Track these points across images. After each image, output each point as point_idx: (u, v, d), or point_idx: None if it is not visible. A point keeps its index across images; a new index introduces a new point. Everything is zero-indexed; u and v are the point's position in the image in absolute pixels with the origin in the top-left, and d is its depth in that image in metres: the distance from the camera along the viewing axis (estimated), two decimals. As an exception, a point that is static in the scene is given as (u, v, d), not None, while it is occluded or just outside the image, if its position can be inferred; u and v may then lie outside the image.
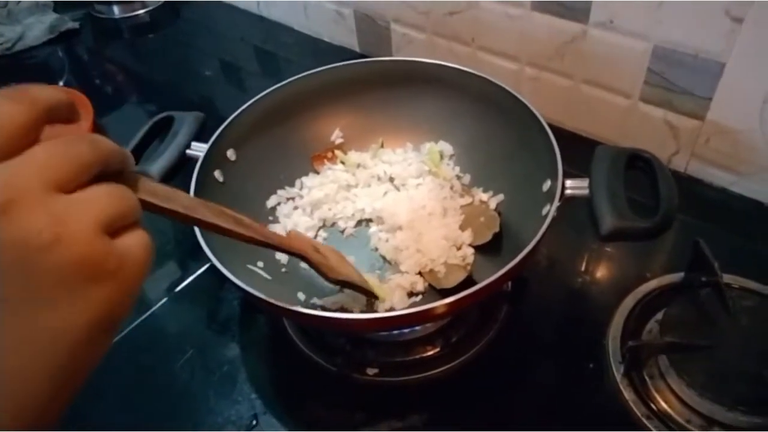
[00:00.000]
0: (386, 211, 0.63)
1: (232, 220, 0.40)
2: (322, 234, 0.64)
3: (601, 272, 0.63)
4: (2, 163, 0.23)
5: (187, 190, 0.54)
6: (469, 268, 0.57)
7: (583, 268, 0.63)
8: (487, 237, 0.59)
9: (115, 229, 0.26)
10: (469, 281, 0.56)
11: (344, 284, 0.52)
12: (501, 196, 0.63)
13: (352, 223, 0.65)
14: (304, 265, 0.60)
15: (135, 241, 0.27)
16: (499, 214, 0.61)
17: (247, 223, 0.42)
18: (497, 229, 0.59)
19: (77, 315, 0.25)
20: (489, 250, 0.59)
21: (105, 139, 0.27)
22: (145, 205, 0.30)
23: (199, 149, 0.59)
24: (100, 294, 0.25)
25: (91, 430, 0.54)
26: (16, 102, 0.24)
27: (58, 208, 0.24)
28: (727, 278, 0.54)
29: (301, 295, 0.58)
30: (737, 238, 0.64)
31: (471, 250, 0.59)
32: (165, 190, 0.33)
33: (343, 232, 0.65)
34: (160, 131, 0.62)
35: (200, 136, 0.61)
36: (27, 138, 0.24)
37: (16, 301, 0.23)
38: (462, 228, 0.60)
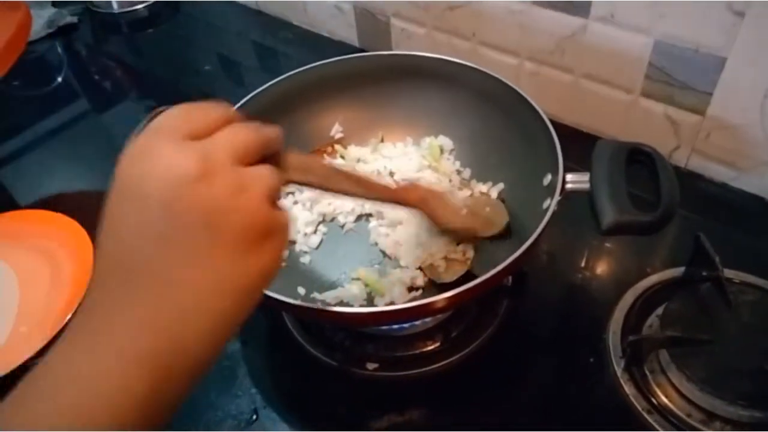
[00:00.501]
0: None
1: (355, 183, 0.43)
2: (322, 229, 0.64)
3: (601, 267, 0.62)
4: (202, 140, 0.30)
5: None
6: (469, 262, 0.57)
7: (583, 263, 0.63)
8: (501, 226, 0.58)
9: (272, 201, 0.32)
10: (469, 275, 0.56)
11: (451, 232, 0.55)
12: (501, 185, 0.63)
13: (352, 218, 0.65)
14: (303, 260, 0.61)
15: (283, 212, 0.33)
16: (503, 201, 0.61)
17: (367, 184, 0.45)
18: (507, 218, 0.58)
19: (252, 266, 0.30)
20: (489, 244, 0.59)
21: (268, 127, 0.33)
22: (289, 181, 0.37)
23: (198, 143, 0.59)
24: (268, 250, 0.31)
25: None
26: (215, 105, 0.32)
27: (240, 179, 0.30)
28: (728, 273, 0.54)
29: (300, 290, 0.58)
30: (738, 234, 0.64)
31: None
32: (303, 162, 0.38)
33: (342, 226, 0.64)
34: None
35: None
36: (217, 125, 0.31)
37: (204, 253, 0.29)
38: (470, 219, 0.60)
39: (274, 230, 0.31)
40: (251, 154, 0.31)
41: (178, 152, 0.29)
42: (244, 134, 0.31)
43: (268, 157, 0.33)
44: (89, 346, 0.28)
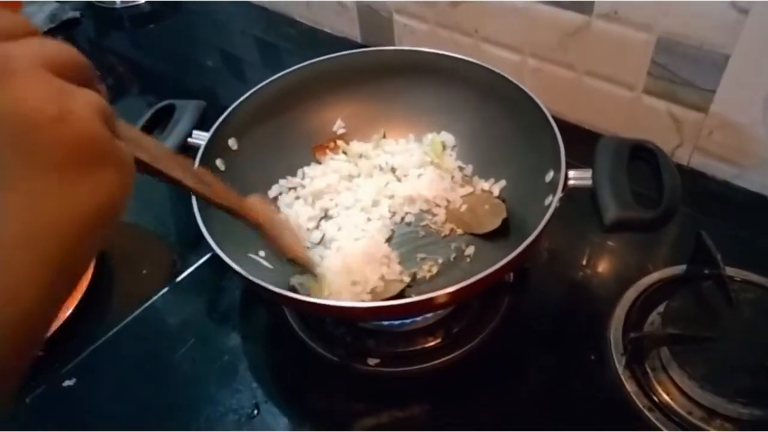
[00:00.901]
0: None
1: (194, 177, 0.40)
2: (324, 224, 0.64)
3: (603, 264, 0.62)
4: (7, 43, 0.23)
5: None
6: (406, 280, 0.56)
7: (585, 260, 0.63)
8: (496, 223, 0.58)
9: (106, 123, 0.25)
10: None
11: (292, 262, 0.53)
12: (503, 182, 0.63)
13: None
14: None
15: (123, 145, 0.26)
16: (504, 201, 0.61)
17: (207, 181, 0.42)
18: (505, 215, 0.58)
19: (85, 197, 0.24)
20: (491, 239, 0.59)
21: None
22: None
23: (200, 138, 0.59)
24: (106, 178, 0.25)
25: (91, 419, 0.54)
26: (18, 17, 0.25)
27: (59, 86, 0.23)
28: (729, 271, 0.54)
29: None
30: (740, 231, 0.63)
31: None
32: (136, 134, 0.33)
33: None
34: (162, 119, 0.61)
35: (202, 124, 0.61)
36: (24, 32, 0.24)
37: (19, 179, 0.22)
38: (467, 217, 0.60)
39: (110, 157, 0.25)
40: (68, 69, 0.25)
41: None
42: (55, 45, 0.25)
43: None
44: None
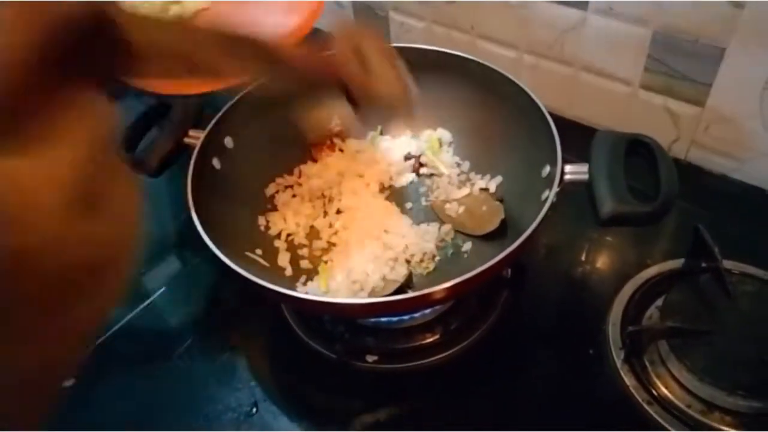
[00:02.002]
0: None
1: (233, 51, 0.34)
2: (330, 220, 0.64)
3: (601, 259, 0.62)
4: None
5: (185, 178, 0.54)
6: (403, 278, 0.56)
7: (583, 255, 0.63)
8: (495, 224, 0.58)
9: None
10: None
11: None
12: (500, 178, 0.63)
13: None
14: (302, 251, 0.60)
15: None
16: (502, 201, 0.61)
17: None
18: (503, 216, 0.58)
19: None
20: (489, 236, 0.59)
21: None
22: None
23: (196, 136, 0.59)
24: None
25: (91, 418, 0.54)
26: None
27: None
28: (727, 264, 0.54)
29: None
30: (738, 225, 0.63)
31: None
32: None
33: (341, 219, 0.64)
34: (158, 117, 0.61)
35: (198, 122, 0.60)
36: None
37: None
38: (465, 218, 0.61)
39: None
40: None
41: None
42: None
43: None
44: None
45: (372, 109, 0.42)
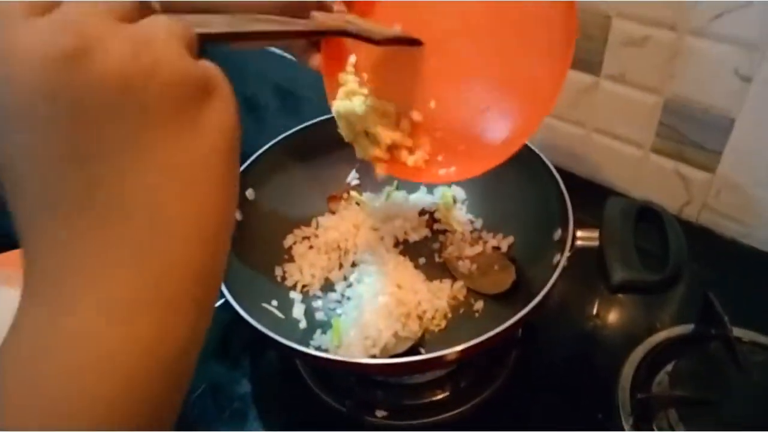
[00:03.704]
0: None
1: (270, 21, 0.39)
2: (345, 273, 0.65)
3: (611, 321, 0.63)
4: (49, 14, 0.21)
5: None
6: (417, 337, 0.56)
7: (593, 317, 0.63)
8: (506, 285, 0.59)
9: (191, 50, 0.24)
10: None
11: (392, 41, 0.48)
12: (511, 239, 0.64)
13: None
14: (316, 303, 0.62)
15: (211, 64, 0.25)
16: (513, 261, 0.62)
17: (282, 20, 0.40)
18: (515, 277, 0.59)
19: (203, 139, 0.24)
20: (500, 295, 0.60)
21: None
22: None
23: (220, 189, 0.61)
24: (215, 112, 0.24)
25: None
26: None
27: (136, 35, 0.22)
28: (737, 332, 0.54)
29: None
30: (748, 291, 0.64)
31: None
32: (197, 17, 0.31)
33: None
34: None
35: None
36: None
37: (142, 146, 0.22)
38: (477, 277, 0.62)
39: (210, 83, 0.24)
40: (133, 6, 0.23)
41: (34, 34, 0.20)
42: None
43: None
44: (68, 307, 0.22)
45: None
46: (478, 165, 0.48)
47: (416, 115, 0.50)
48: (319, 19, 0.44)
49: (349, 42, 0.50)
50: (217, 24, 0.31)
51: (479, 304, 0.60)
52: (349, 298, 0.61)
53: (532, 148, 0.61)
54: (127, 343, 0.22)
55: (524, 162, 0.61)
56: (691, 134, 0.66)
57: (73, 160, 0.21)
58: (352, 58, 0.50)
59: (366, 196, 0.71)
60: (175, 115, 0.23)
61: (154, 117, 0.22)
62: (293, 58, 0.55)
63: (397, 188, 0.72)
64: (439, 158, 0.51)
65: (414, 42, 0.48)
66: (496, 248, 0.64)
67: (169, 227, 0.23)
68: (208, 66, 0.25)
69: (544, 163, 0.59)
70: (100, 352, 0.22)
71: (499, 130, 0.47)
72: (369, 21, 0.49)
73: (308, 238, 0.67)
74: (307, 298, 0.62)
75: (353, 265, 0.65)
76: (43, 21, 0.21)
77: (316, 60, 0.51)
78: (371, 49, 0.47)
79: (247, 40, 0.35)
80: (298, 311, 0.60)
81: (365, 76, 0.50)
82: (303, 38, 0.45)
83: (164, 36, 0.23)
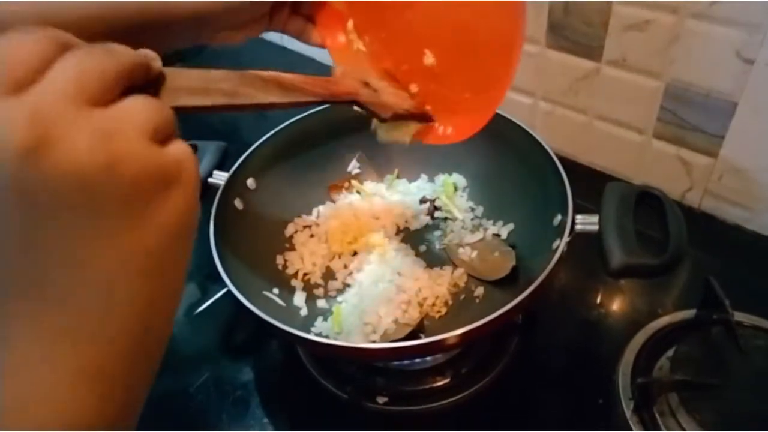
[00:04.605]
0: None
1: (275, 88, 0.35)
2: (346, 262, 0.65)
3: (612, 307, 0.63)
4: (20, 95, 0.20)
5: (208, 218, 0.56)
6: (415, 323, 0.56)
7: (594, 303, 0.63)
8: (506, 270, 0.59)
9: (159, 140, 0.24)
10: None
11: (399, 118, 0.48)
12: (511, 225, 0.64)
13: (367, 251, 0.66)
14: (318, 291, 0.62)
15: (181, 148, 0.25)
16: (513, 247, 0.62)
17: (289, 85, 0.37)
18: (514, 262, 0.60)
19: (158, 227, 0.24)
20: (500, 281, 0.60)
21: (122, 47, 0.24)
22: (184, 110, 0.28)
23: (220, 177, 0.61)
24: (172, 202, 0.24)
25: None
26: (28, 33, 0.22)
27: (99, 124, 0.22)
28: (739, 316, 0.54)
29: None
30: (750, 276, 0.63)
31: None
32: (198, 78, 0.30)
33: (357, 260, 0.66)
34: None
35: (222, 164, 0.63)
36: (42, 64, 0.21)
37: (89, 233, 0.22)
38: (477, 263, 0.62)
39: (173, 173, 0.24)
40: (108, 87, 0.23)
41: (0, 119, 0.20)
42: (90, 62, 0.22)
43: (140, 86, 0.25)
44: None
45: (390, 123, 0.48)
46: (471, 119, 0.50)
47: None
48: (335, 84, 0.43)
49: (341, 6, 0.50)
50: (216, 92, 0.30)
51: (480, 290, 0.60)
52: (349, 286, 0.62)
53: (533, 134, 0.61)
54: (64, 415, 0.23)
55: (525, 149, 0.61)
56: (693, 119, 0.66)
57: (19, 248, 0.21)
58: (350, 24, 0.51)
59: (367, 185, 0.71)
60: (131, 206, 0.23)
61: (109, 209, 0.22)
62: (292, 48, 0.55)
63: (398, 176, 0.72)
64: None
65: (424, 118, 0.50)
66: (496, 235, 0.64)
67: (118, 311, 0.24)
68: (175, 152, 0.25)
69: (544, 149, 0.59)
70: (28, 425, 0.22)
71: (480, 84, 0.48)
72: (385, 92, 0.48)
73: (309, 226, 0.68)
74: (308, 286, 0.63)
75: (354, 253, 0.65)
76: (13, 104, 0.20)
77: (316, 36, 0.52)
78: (365, 10, 0.48)
79: (244, 110, 0.34)
80: (299, 299, 0.60)
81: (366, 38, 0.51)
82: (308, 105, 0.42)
83: (132, 125, 0.23)
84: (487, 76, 0.47)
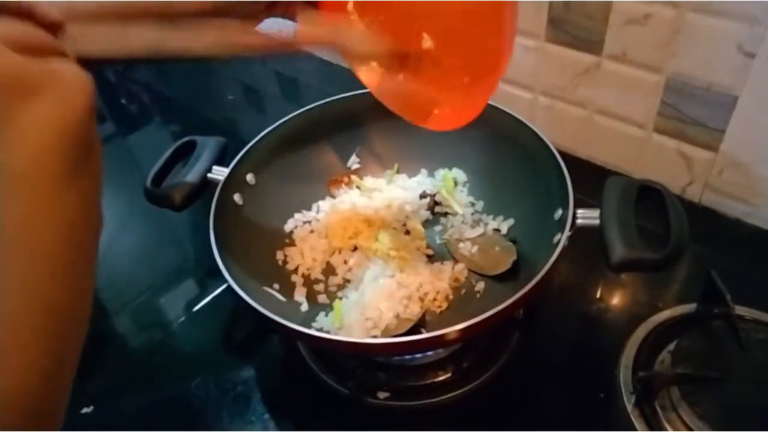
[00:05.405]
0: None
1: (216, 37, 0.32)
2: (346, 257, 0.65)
3: (613, 301, 0.63)
4: None
5: (208, 213, 0.56)
6: (416, 318, 0.56)
7: (595, 297, 0.63)
8: (507, 264, 0.59)
9: (31, 53, 0.23)
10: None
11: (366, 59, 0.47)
12: (512, 221, 0.64)
13: (367, 246, 0.66)
14: (318, 286, 0.62)
15: (62, 63, 0.24)
16: (514, 242, 0.62)
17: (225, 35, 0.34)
18: (515, 257, 0.59)
19: (26, 138, 0.23)
20: (501, 276, 0.60)
21: None
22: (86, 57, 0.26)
23: (219, 173, 0.61)
24: (41, 111, 0.23)
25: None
26: None
27: None
28: (739, 310, 0.54)
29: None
30: (751, 270, 0.64)
31: None
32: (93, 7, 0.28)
33: (357, 255, 0.65)
34: (184, 154, 0.64)
35: (221, 159, 0.63)
36: None
37: None
38: (479, 258, 0.62)
39: (37, 80, 0.23)
40: None
41: None
42: None
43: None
44: None
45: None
46: (471, 103, 0.50)
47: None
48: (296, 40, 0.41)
49: None
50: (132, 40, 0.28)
51: (480, 285, 0.60)
52: (350, 281, 0.62)
53: (533, 128, 0.60)
54: None
55: (525, 143, 0.61)
56: (694, 113, 0.66)
57: None
58: (350, 5, 0.50)
59: (367, 180, 0.71)
60: None
61: None
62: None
63: (398, 171, 0.72)
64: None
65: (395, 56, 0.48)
66: (497, 230, 0.64)
67: None
68: (50, 65, 0.24)
69: (545, 144, 0.59)
70: None
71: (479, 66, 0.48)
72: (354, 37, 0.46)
73: (309, 222, 0.67)
74: (308, 281, 0.62)
75: (354, 249, 0.65)
76: None
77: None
78: None
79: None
80: (299, 294, 0.60)
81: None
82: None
83: None
84: (484, 58, 0.47)
